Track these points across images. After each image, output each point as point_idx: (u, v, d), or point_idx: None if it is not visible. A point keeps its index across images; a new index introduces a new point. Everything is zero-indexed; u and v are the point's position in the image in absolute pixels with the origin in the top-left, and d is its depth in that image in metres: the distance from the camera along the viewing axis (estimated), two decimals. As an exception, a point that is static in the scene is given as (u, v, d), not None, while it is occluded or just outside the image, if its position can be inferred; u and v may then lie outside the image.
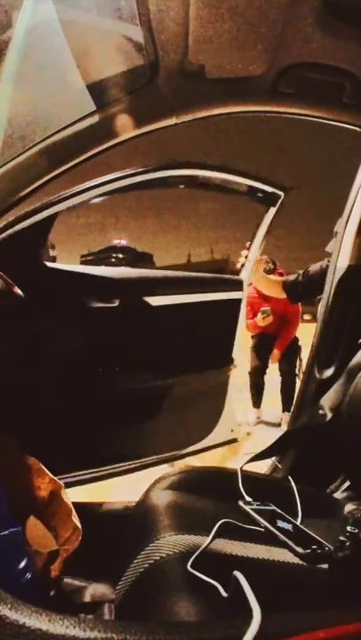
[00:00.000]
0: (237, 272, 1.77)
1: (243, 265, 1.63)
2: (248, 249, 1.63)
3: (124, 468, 1.38)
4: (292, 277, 1.98)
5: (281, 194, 1.52)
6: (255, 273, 1.61)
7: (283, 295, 1.89)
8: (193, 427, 1.54)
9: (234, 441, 1.60)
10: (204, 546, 0.69)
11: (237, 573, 0.56)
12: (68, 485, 1.18)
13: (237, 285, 1.55)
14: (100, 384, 1.30)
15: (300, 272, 1.95)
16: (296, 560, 0.72)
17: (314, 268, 1.92)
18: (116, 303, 1.26)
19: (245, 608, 0.50)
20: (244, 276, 1.59)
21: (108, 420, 1.34)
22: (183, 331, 1.41)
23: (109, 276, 1.31)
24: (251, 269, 1.59)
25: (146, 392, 1.38)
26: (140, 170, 1.22)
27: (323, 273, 1.85)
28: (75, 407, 1.28)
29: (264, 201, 1.55)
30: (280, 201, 1.52)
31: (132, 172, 1.21)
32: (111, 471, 1.36)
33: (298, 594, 0.64)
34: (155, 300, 1.32)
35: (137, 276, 1.38)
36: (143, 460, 1.42)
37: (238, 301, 1.55)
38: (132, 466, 1.40)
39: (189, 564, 0.64)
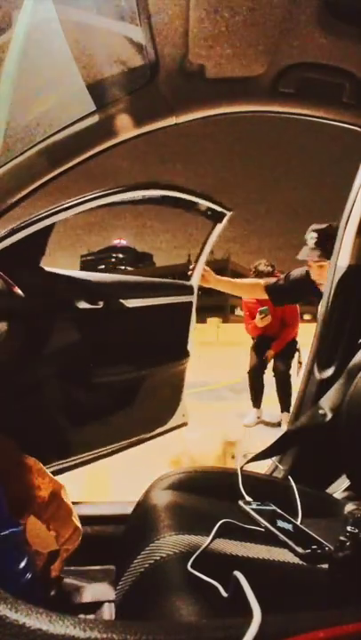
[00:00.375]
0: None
1: (192, 272, 1.85)
2: (196, 259, 1.85)
3: (101, 454, 1.51)
4: (273, 280, 2.06)
5: (227, 212, 1.73)
6: (202, 280, 1.86)
7: (264, 296, 1.97)
8: (158, 411, 1.74)
9: (184, 424, 1.80)
10: (204, 546, 0.69)
11: (237, 573, 0.56)
12: (54, 474, 1.26)
13: (189, 290, 1.76)
14: (87, 377, 1.42)
15: (283, 276, 2.03)
16: (296, 560, 0.72)
17: (295, 272, 2.01)
18: (101, 305, 1.41)
19: (245, 608, 0.50)
20: (193, 282, 1.81)
21: (91, 409, 1.47)
22: (149, 329, 1.60)
23: (95, 280, 1.48)
24: (198, 277, 1.83)
25: (121, 383, 1.55)
26: (106, 192, 1.37)
27: (303, 278, 1.94)
28: (63, 400, 1.38)
29: (212, 218, 1.76)
30: (226, 218, 1.76)
31: (101, 193, 1.35)
32: (89, 458, 1.48)
33: (298, 594, 0.64)
34: (129, 302, 1.51)
35: (115, 280, 1.57)
36: (117, 444, 1.55)
37: (190, 304, 1.76)
38: (108, 451, 1.53)
39: (189, 564, 0.64)
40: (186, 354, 1.76)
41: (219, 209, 1.72)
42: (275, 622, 0.48)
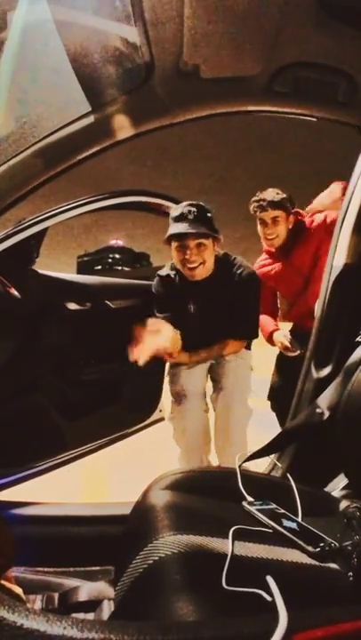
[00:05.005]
0: None
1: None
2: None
3: (88, 449, 1.55)
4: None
5: None
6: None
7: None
8: (139, 407, 1.80)
9: (161, 420, 1.85)
10: (229, 557, 0.67)
11: (269, 578, 0.57)
12: (43, 472, 1.34)
13: None
14: (77, 374, 1.48)
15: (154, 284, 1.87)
16: (307, 559, 0.71)
17: (160, 274, 1.84)
18: (89, 306, 1.48)
19: (245, 608, 0.50)
20: None
21: (81, 405, 1.51)
22: (132, 328, 1.61)
23: (83, 282, 1.56)
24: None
25: (106, 380, 1.61)
26: (97, 198, 1.43)
27: (168, 277, 1.81)
28: (56, 397, 1.43)
29: None
30: None
31: (92, 199, 1.42)
32: (80, 453, 1.51)
33: (318, 594, 0.64)
34: (113, 303, 1.58)
35: (101, 282, 1.67)
36: (104, 439, 1.60)
37: None
38: (95, 446, 1.57)
39: (224, 581, 0.61)
40: None
41: None
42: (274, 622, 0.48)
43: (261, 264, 2.11)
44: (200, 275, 1.66)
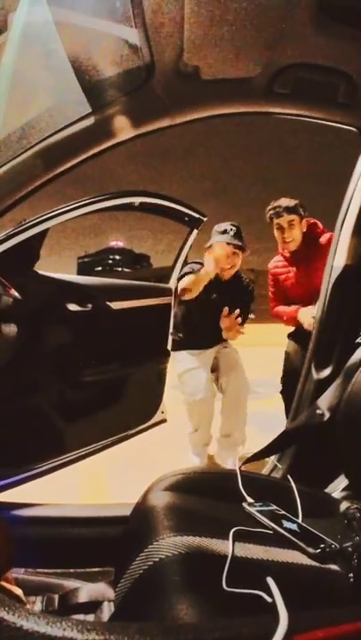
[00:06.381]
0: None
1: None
2: (174, 263, 1.96)
3: (89, 451, 1.54)
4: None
5: (203, 218, 1.84)
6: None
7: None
8: (141, 408, 1.81)
9: (164, 421, 1.87)
10: (229, 559, 0.67)
11: (269, 580, 0.58)
12: (44, 474, 1.32)
13: (168, 292, 1.86)
14: (77, 376, 1.47)
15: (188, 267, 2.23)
16: (307, 561, 0.71)
17: (193, 266, 2.23)
18: (90, 307, 1.47)
19: (245, 609, 0.50)
20: (171, 284, 1.92)
21: (82, 407, 1.52)
22: (133, 329, 1.67)
23: (84, 283, 1.56)
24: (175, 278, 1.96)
25: (108, 382, 1.61)
26: (98, 198, 1.42)
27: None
28: (56, 399, 1.42)
29: (189, 223, 1.87)
30: (202, 224, 1.88)
31: (93, 200, 1.40)
32: (80, 455, 1.50)
33: (319, 595, 0.63)
34: (115, 305, 1.58)
35: (101, 283, 1.66)
36: (105, 441, 1.59)
37: (169, 305, 1.85)
38: (96, 448, 1.57)
39: (224, 583, 0.61)
40: (166, 353, 1.81)
41: (196, 215, 1.81)
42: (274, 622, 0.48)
43: (276, 265, 2.37)
44: (228, 275, 2.33)
